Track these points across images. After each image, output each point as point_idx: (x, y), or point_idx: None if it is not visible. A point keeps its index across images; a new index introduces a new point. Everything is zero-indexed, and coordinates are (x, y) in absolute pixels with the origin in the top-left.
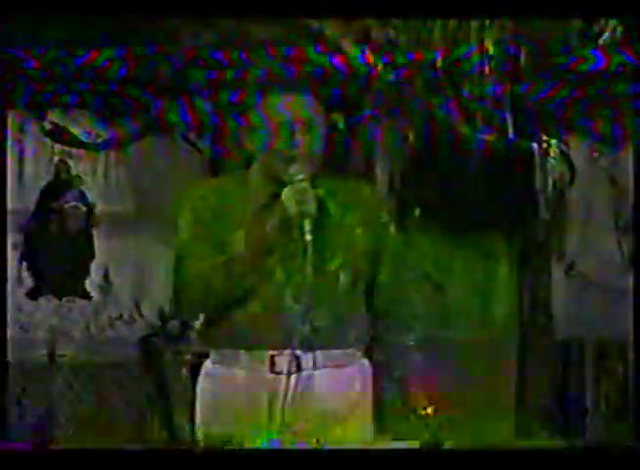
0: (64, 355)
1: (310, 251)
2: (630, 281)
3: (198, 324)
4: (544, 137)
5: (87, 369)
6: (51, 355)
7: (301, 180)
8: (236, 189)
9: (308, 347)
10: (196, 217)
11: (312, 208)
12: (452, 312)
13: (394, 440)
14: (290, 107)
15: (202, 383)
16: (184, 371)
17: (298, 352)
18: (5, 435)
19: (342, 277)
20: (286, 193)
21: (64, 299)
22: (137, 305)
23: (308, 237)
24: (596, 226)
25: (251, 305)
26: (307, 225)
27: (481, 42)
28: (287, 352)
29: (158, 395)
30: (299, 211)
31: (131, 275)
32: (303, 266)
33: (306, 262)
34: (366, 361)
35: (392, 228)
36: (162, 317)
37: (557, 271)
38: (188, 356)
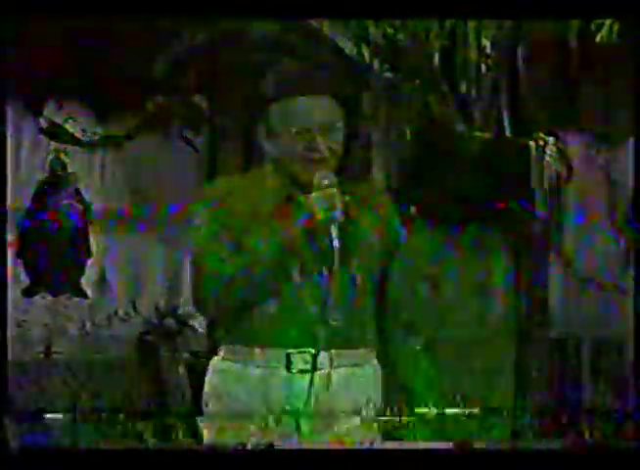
0: (60, 353)
1: (337, 256)
2: (628, 279)
3: (208, 322)
4: (541, 134)
5: (83, 367)
6: (47, 353)
7: (329, 186)
8: (251, 188)
9: (325, 346)
10: (212, 215)
11: (340, 214)
12: (449, 311)
13: (400, 440)
14: (310, 109)
15: (211, 379)
16: (181, 369)
17: (315, 350)
18: (1, 433)
19: (359, 278)
20: (314, 199)
21: (60, 296)
22: (133, 303)
23: (336, 243)
24: (593, 223)
25: (269, 304)
26: (334, 232)
27: (479, 40)
28: (303, 350)
29: (154, 392)
30: (327, 217)
31: (127, 273)
32: (327, 269)
33: (332, 267)
34: (377, 362)
35: (404, 230)
36: (159, 315)
37: (554, 269)
38: (185, 354)
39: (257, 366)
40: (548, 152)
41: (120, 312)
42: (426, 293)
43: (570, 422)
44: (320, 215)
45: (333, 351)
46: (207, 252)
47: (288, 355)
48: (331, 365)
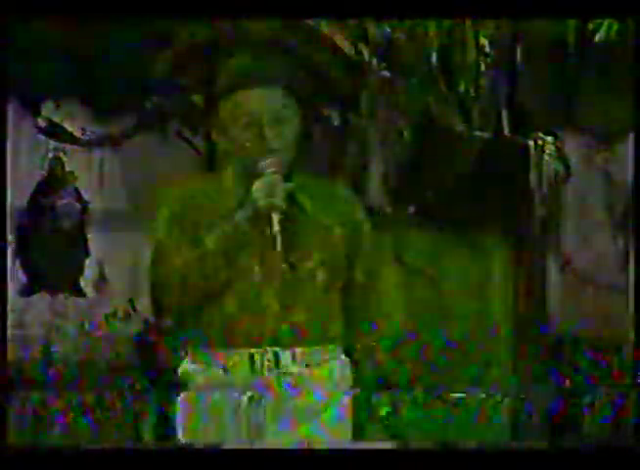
0: (58, 353)
1: (279, 244)
2: (626, 278)
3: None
4: (539, 134)
5: (82, 367)
6: (46, 353)
7: (272, 173)
8: (213, 187)
9: (287, 344)
10: (172, 216)
11: (281, 201)
12: (447, 310)
13: (374, 439)
14: (257, 101)
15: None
16: (178, 368)
17: (277, 349)
18: (0, 433)
19: (320, 275)
20: (256, 185)
21: (58, 296)
22: (132, 302)
23: (276, 229)
24: (592, 223)
25: (228, 303)
26: (276, 218)
27: (477, 39)
28: (265, 350)
29: (152, 392)
30: (268, 203)
31: (126, 272)
32: (277, 261)
33: (277, 256)
34: (346, 359)
35: (367, 227)
36: (157, 314)
37: (553, 269)
38: (182, 353)
39: (220, 368)
40: (547, 151)
41: (120, 312)
42: (421, 292)
43: (570, 422)
44: (261, 202)
45: (298, 349)
46: (165, 251)
47: (250, 355)
48: (296, 364)
